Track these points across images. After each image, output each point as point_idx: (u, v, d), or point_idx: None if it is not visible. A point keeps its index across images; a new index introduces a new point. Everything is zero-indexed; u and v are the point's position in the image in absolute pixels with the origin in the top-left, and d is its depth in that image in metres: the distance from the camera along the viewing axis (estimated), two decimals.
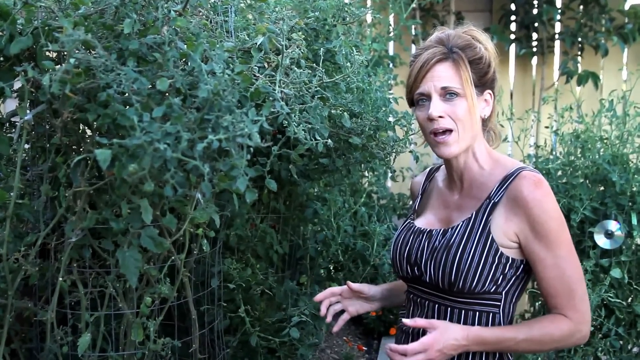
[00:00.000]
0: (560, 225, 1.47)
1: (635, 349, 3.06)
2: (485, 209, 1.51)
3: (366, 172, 3.29)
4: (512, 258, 1.49)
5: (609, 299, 2.86)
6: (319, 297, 1.74)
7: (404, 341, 1.64)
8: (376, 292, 1.76)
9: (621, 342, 2.96)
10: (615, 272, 2.90)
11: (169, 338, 1.82)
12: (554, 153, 3.40)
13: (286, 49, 1.64)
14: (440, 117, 1.49)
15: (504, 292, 1.51)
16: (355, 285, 1.74)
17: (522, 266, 1.51)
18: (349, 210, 3.52)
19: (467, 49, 1.52)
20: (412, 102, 1.59)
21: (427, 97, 1.52)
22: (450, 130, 1.50)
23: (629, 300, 2.98)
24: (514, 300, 1.54)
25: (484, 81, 1.54)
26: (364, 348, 3.63)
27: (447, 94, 1.50)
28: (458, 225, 1.54)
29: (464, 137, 1.52)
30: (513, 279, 1.51)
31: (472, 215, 1.53)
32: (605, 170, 3.01)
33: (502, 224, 1.49)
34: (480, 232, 1.50)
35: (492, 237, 1.49)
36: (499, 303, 1.51)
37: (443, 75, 1.50)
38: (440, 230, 1.58)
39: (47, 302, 1.74)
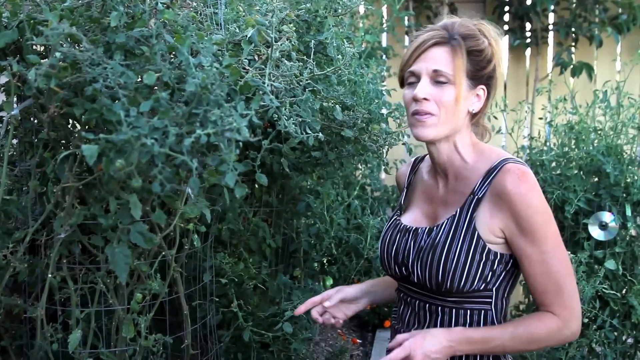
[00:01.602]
0: (547, 219, 1.43)
1: (629, 340, 3.06)
2: (469, 205, 1.48)
3: (359, 164, 3.27)
4: (500, 253, 1.46)
5: (604, 290, 2.85)
6: (300, 310, 1.68)
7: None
8: (356, 292, 1.71)
9: (615, 333, 2.96)
10: (610, 264, 2.89)
11: (161, 334, 1.81)
12: (547, 144, 3.39)
13: (276, 42, 1.61)
14: (425, 99, 1.45)
15: (494, 289, 1.48)
16: (334, 300, 1.68)
17: (511, 260, 1.48)
18: (342, 203, 3.51)
19: (469, 38, 1.48)
20: (402, 81, 1.56)
21: (417, 77, 1.48)
22: (432, 115, 1.47)
23: (623, 291, 2.98)
24: (505, 295, 1.51)
25: (479, 75, 1.50)
26: (358, 341, 3.63)
27: (438, 78, 1.46)
28: (443, 223, 1.51)
29: (444, 124, 1.48)
30: (503, 274, 1.48)
31: (456, 212, 1.49)
32: (600, 161, 3.00)
33: (487, 219, 1.45)
34: (465, 229, 1.46)
35: (477, 233, 1.45)
36: (490, 300, 1.48)
37: (438, 58, 1.46)
38: (425, 228, 1.54)
39: (37, 299, 1.73)
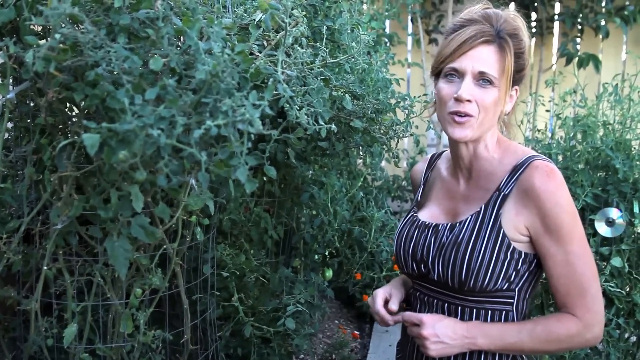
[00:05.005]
0: (573, 219, 1.38)
1: (633, 338, 3.01)
2: (495, 201, 1.43)
3: (364, 154, 3.20)
4: (524, 253, 1.41)
5: (609, 288, 2.80)
6: (389, 320, 1.54)
7: (405, 336, 1.57)
8: (403, 291, 1.63)
9: (618, 331, 2.91)
10: (616, 261, 2.84)
11: (160, 330, 1.74)
12: (553, 137, 3.33)
13: (289, 27, 1.53)
14: (468, 100, 1.39)
15: (517, 289, 1.43)
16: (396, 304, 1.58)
17: (535, 260, 1.43)
18: (346, 195, 3.43)
19: (514, 38, 1.42)
20: (437, 73, 1.48)
21: (460, 74, 1.42)
22: (471, 116, 1.41)
23: (628, 289, 2.92)
24: (527, 296, 1.46)
25: (517, 77, 1.46)
26: (357, 334, 3.58)
27: (482, 79, 1.40)
28: (466, 219, 1.45)
29: (481, 126, 1.43)
30: (526, 274, 1.43)
31: (481, 208, 1.44)
32: (608, 156, 2.93)
33: (512, 217, 1.40)
34: (491, 227, 1.41)
35: (503, 231, 1.40)
36: (512, 300, 1.43)
37: (484, 58, 1.40)
38: (447, 225, 1.49)
39: (31, 291, 1.66)
